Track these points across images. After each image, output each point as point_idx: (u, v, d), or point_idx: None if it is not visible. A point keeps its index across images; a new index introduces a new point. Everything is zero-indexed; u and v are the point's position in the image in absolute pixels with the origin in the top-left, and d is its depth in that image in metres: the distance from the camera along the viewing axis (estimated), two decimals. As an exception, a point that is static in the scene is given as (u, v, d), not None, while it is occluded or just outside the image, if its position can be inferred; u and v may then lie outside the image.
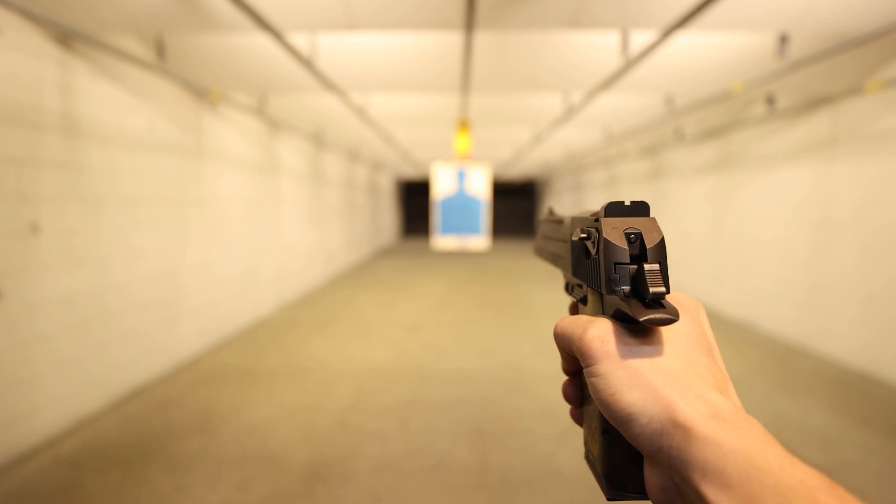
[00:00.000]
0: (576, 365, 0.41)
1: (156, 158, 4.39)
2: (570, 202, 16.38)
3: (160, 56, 4.16)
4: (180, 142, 4.76)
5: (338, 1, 3.08)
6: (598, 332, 0.35)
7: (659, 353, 0.34)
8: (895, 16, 3.12)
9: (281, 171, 7.37)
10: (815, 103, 5.22)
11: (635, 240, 0.35)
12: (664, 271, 0.35)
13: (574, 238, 0.42)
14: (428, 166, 13.91)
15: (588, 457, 0.41)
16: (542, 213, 0.55)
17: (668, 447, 0.30)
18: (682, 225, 8.34)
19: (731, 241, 6.95)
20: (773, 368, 4.83)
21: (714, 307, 7.30)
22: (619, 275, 0.35)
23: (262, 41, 4.04)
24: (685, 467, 0.29)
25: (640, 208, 0.37)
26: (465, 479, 2.89)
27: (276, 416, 3.70)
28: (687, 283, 8.22)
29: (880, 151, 4.58)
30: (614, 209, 0.37)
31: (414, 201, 22.48)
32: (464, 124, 6.78)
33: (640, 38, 3.88)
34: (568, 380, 0.44)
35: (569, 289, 0.50)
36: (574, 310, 0.48)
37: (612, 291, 0.35)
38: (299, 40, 3.97)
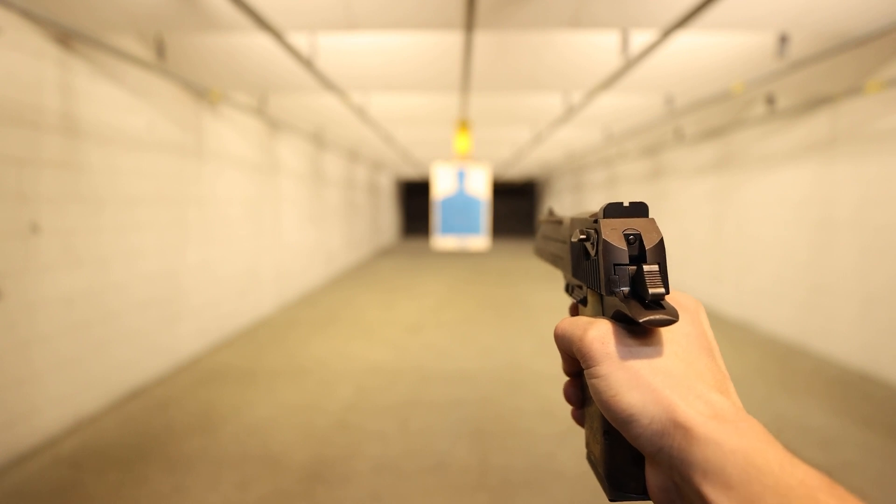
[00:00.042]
0: (576, 366, 0.41)
1: (156, 158, 4.39)
2: (570, 202, 16.38)
3: (160, 56, 4.16)
4: (180, 142, 4.76)
5: (338, 1, 3.08)
6: (598, 334, 0.35)
7: (659, 353, 0.34)
8: (895, 16, 3.12)
9: (281, 171, 7.37)
10: (815, 103, 5.22)
11: (634, 241, 0.35)
12: (663, 272, 0.35)
13: (573, 239, 0.42)
14: (428, 166, 13.91)
15: (590, 457, 0.41)
16: (542, 214, 0.55)
17: (668, 448, 0.30)
18: (682, 225, 8.34)
19: (731, 241, 6.95)
20: (773, 368, 4.84)
21: (714, 307, 7.30)
22: (619, 276, 0.35)
23: (262, 41, 4.04)
24: (686, 467, 0.29)
25: (639, 209, 0.37)
26: (465, 479, 2.89)
27: (276, 416, 3.70)
28: (687, 283, 8.22)
29: (880, 151, 4.58)
30: (613, 210, 0.37)
31: (414, 201, 22.48)
32: (464, 124, 6.78)
33: (640, 38, 3.88)
34: (569, 381, 0.44)
35: (569, 289, 0.49)
36: (574, 311, 0.48)
37: (611, 293, 0.36)
38: (299, 40, 3.97)
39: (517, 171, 16.73)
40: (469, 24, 3.32)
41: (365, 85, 5.09)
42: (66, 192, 3.43)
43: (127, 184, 4.02)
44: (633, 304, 0.34)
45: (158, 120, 4.43)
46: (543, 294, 8.66)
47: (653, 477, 0.33)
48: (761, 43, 4.05)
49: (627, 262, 0.35)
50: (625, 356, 0.34)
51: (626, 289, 0.35)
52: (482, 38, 3.98)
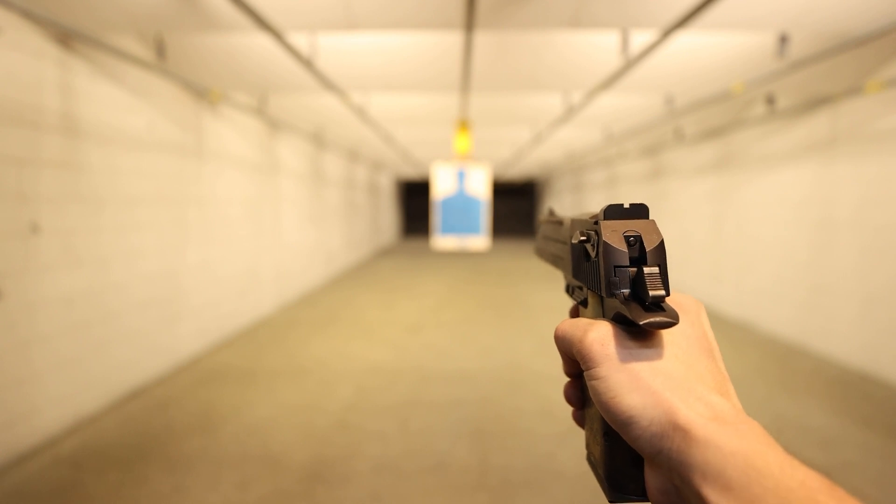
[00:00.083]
0: (577, 367, 0.41)
1: (156, 158, 4.39)
2: (570, 202, 16.38)
3: (160, 56, 4.16)
4: (180, 142, 4.76)
5: (338, 1, 3.08)
6: (598, 335, 0.35)
7: (659, 355, 0.34)
8: (895, 16, 3.12)
9: (281, 171, 7.37)
10: (815, 103, 5.22)
11: (635, 242, 0.35)
12: (664, 274, 0.34)
13: (574, 241, 0.42)
14: (428, 166, 13.91)
15: (590, 458, 0.41)
16: (543, 214, 0.54)
17: (668, 450, 0.30)
18: (682, 225, 8.34)
19: (731, 241, 6.95)
20: (773, 368, 4.84)
21: (714, 307, 7.30)
22: (619, 278, 0.35)
23: (262, 41, 4.04)
24: (685, 469, 0.29)
25: (640, 211, 0.37)
26: (465, 479, 2.89)
27: (276, 416, 3.70)
28: (687, 283, 8.22)
29: (880, 151, 4.58)
30: (613, 212, 0.37)
31: (414, 201, 22.48)
32: (464, 124, 6.78)
33: (640, 38, 3.88)
34: (569, 382, 0.44)
35: (569, 290, 0.50)
36: (575, 312, 0.48)
37: (611, 294, 0.36)
38: (299, 40, 3.97)
39: (517, 171, 16.72)
40: (469, 24, 3.32)
41: (365, 85, 5.09)
42: (66, 192, 3.43)
43: (127, 184, 4.02)
44: (634, 306, 0.34)
45: (158, 120, 4.43)
46: (543, 294, 8.66)
47: (652, 479, 0.32)
48: (761, 43, 4.05)
49: (628, 263, 0.35)
50: (625, 358, 0.34)
51: (626, 291, 0.35)
52: (482, 38, 3.98)
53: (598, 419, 0.38)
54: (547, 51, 4.28)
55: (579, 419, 0.43)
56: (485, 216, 8.31)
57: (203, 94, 5.02)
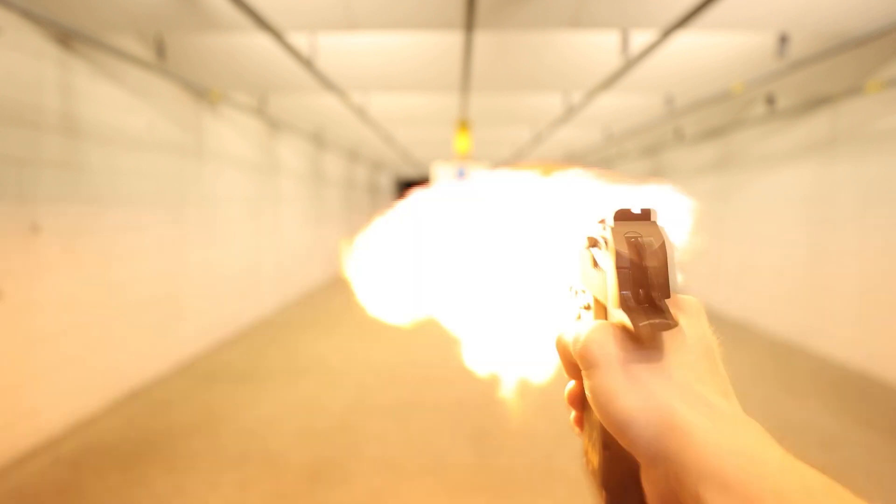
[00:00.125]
0: (577, 371, 0.40)
1: (156, 158, 4.39)
2: (570, 202, 16.38)
3: (160, 56, 4.16)
4: (180, 142, 4.76)
5: (338, 1, 3.08)
6: (597, 337, 0.35)
7: (659, 357, 0.34)
8: (895, 16, 3.12)
9: (281, 171, 7.37)
10: (815, 103, 5.22)
11: (640, 245, 0.35)
12: (667, 277, 0.34)
13: (583, 247, 0.41)
14: (428, 166, 13.91)
15: (587, 467, 0.41)
16: None
17: (665, 451, 0.30)
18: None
19: (731, 240, 6.95)
20: (772, 368, 4.83)
21: (714, 307, 7.30)
22: (620, 280, 0.35)
23: (262, 41, 4.04)
24: (683, 471, 0.29)
25: (648, 214, 0.37)
26: (465, 479, 2.89)
27: (276, 416, 3.70)
28: (687, 283, 8.20)
29: (880, 151, 4.58)
30: (623, 215, 0.37)
31: (414, 201, 22.49)
32: (464, 124, 6.78)
33: (640, 38, 3.88)
34: (571, 386, 0.43)
35: (571, 292, 0.49)
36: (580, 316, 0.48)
37: (615, 302, 0.36)
38: (299, 40, 3.97)
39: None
40: (469, 24, 3.31)
41: (365, 85, 5.09)
42: (66, 192, 3.43)
43: (127, 184, 4.02)
44: (633, 308, 0.34)
45: (158, 120, 4.43)
46: (543, 294, 8.65)
47: (650, 485, 0.32)
48: (761, 43, 4.05)
49: (628, 266, 0.35)
50: (623, 359, 0.33)
51: (626, 293, 0.35)
52: (482, 38, 3.98)
53: (597, 428, 0.38)
54: (547, 51, 4.28)
55: (580, 424, 0.43)
56: (485, 216, 8.33)
57: (203, 94, 5.02)
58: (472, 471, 2.97)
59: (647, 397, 0.31)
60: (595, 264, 0.39)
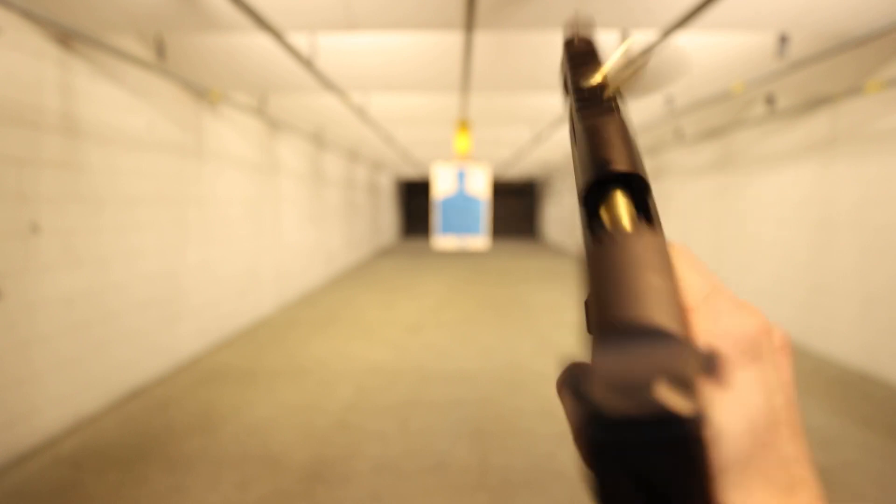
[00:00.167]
0: None
1: (156, 158, 4.39)
2: (570, 202, 16.38)
3: (160, 56, 4.16)
4: (180, 142, 4.76)
5: (338, 1, 3.08)
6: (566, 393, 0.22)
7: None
8: (895, 16, 3.12)
9: (281, 171, 7.37)
10: (815, 103, 5.22)
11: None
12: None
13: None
14: (428, 166, 13.91)
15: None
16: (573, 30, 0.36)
17: None
18: (682, 225, 8.34)
19: (731, 241, 6.95)
20: (773, 368, 4.83)
21: (714, 307, 7.29)
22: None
23: (262, 41, 4.04)
24: None
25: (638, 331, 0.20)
26: (465, 479, 2.89)
27: (276, 416, 3.70)
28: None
29: (880, 151, 4.58)
30: (612, 348, 0.20)
31: (414, 201, 22.48)
32: (464, 124, 6.78)
33: (640, 39, 3.88)
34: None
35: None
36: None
37: None
38: (299, 40, 3.97)
39: (517, 171, 16.72)
40: (469, 24, 3.32)
41: (365, 85, 5.09)
42: (66, 192, 3.43)
43: (127, 184, 4.02)
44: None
45: (158, 120, 4.43)
46: (543, 294, 8.65)
47: None
48: (761, 43, 4.05)
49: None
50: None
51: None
52: (482, 38, 3.98)
53: None
54: (547, 51, 4.28)
55: None
56: (485, 216, 8.32)
57: (203, 94, 5.02)
58: (472, 471, 2.97)
59: None
60: None
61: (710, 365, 0.20)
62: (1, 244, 2.98)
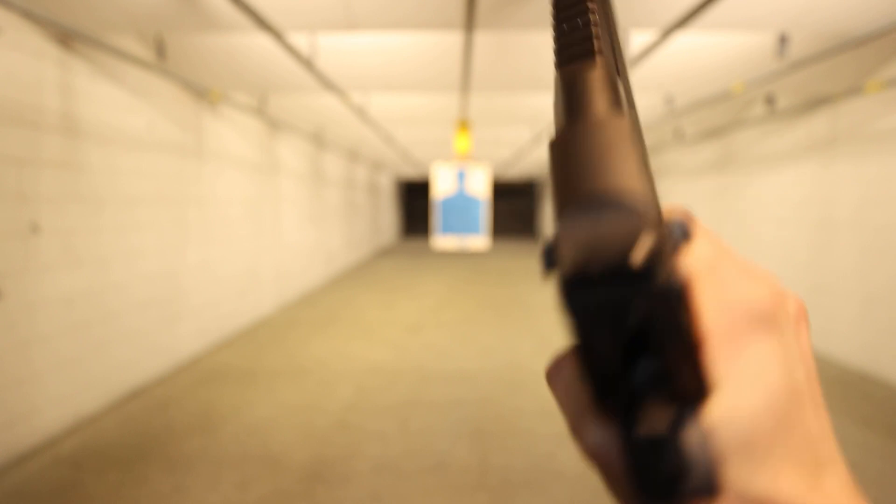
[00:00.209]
0: None
1: (156, 158, 4.39)
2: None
3: (160, 56, 4.16)
4: (180, 142, 4.76)
5: (338, 1, 3.08)
6: (600, 449, 0.21)
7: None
8: (895, 16, 3.12)
9: (281, 171, 7.37)
10: (815, 103, 5.22)
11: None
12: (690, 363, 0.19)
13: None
14: (428, 166, 13.91)
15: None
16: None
17: None
18: (682, 225, 8.33)
19: (732, 240, 6.95)
20: (773, 368, 4.83)
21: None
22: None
23: (262, 41, 4.04)
24: None
25: (617, 207, 0.18)
26: (465, 479, 2.89)
27: (276, 416, 3.70)
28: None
29: (880, 151, 4.58)
30: (571, 212, 0.19)
31: (414, 201, 22.48)
32: (464, 124, 6.78)
33: (640, 38, 3.88)
34: None
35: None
36: None
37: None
38: (299, 40, 3.97)
39: (517, 171, 16.72)
40: (469, 24, 3.32)
41: (365, 85, 5.09)
42: (66, 192, 3.43)
43: (127, 184, 4.02)
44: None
45: (158, 120, 4.43)
46: (544, 294, 8.65)
47: None
48: (761, 43, 4.05)
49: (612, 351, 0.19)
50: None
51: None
52: (482, 38, 3.98)
53: None
54: (547, 51, 4.28)
55: None
56: (485, 216, 8.32)
57: (203, 94, 5.02)
58: (472, 471, 2.97)
59: None
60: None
61: (682, 228, 0.20)
62: (1, 244, 2.98)
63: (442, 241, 8.30)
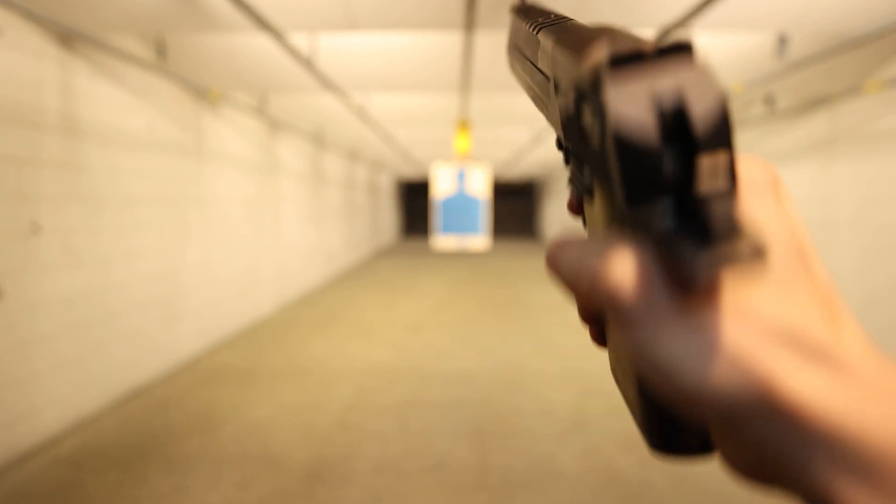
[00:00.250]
0: (593, 308, 0.28)
1: (156, 158, 4.39)
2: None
3: (160, 56, 4.16)
4: (180, 142, 4.76)
5: (338, 1, 3.09)
6: (628, 272, 0.21)
7: (731, 285, 0.21)
8: (895, 16, 3.12)
9: (281, 171, 7.37)
10: (815, 103, 5.23)
11: (672, 109, 0.19)
12: (731, 162, 0.19)
13: (561, 105, 0.26)
14: (428, 166, 13.91)
15: (617, 380, 0.30)
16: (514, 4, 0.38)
17: (765, 432, 0.20)
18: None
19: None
20: (772, 368, 4.84)
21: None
22: (647, 179, 0.20)
23: (262, 41, 4.04)
24: (797, 456, 0.19)
25: (678, 51, 0.20)
26: (465, 479, 2.89)
27: (276, 416, 3.70)
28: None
29: (880, 151, 4.58)
30: (627, 55, 0.20)
31: (414, 201, 22.49)
32: (464, 124, 6.78)
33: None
34: (584, 315, 0.30)
35: (562, 150, 0.32)
36: (577, 205, 0.31)
37: (637, 204, 0.20)
38: (299, 40, 3.97)
39: (517, 171, 16.73)
40: (469, 24, 3.32)
41: (365, 85, 5.09)
42: (66, 192, 3.43)
43: (127, 184, 4.03)
44: (682, 241, 0.19)
45: (158, 120, 4.43)
46: (543, 294, 8.65)
47: (729, 449, 0.23)
48: (761, 43, 4.05)
49: (661, 153, 0.19)
50: (677, 304, 0.21)
51: (661, 211, 0.20)
52: (482, 38, 3.98)
53: (630, 360, 0.26)
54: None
55: (599, 339, 0.31)
56: (484, 216, 8.33)
57: (203, 94, 5.02)
58: (472, 471, 2.97)
59: (725, 364, 0.20)
60: (585, 142, 0.23)
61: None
62: (1, 244, 2.98)
63: (442, 241, 8.31)
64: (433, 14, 3.26)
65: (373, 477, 2.90)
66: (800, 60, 3.86)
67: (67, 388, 3.46)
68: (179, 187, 4.75)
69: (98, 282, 3.72)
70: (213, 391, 4.15)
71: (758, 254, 0.18)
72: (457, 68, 4.52)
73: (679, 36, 0.22)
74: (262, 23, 3.15)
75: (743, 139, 6.64)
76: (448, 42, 4.07)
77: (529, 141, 9.15)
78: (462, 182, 8.53)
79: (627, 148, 0.20)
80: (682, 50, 0.20)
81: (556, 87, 0.28)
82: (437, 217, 8.53)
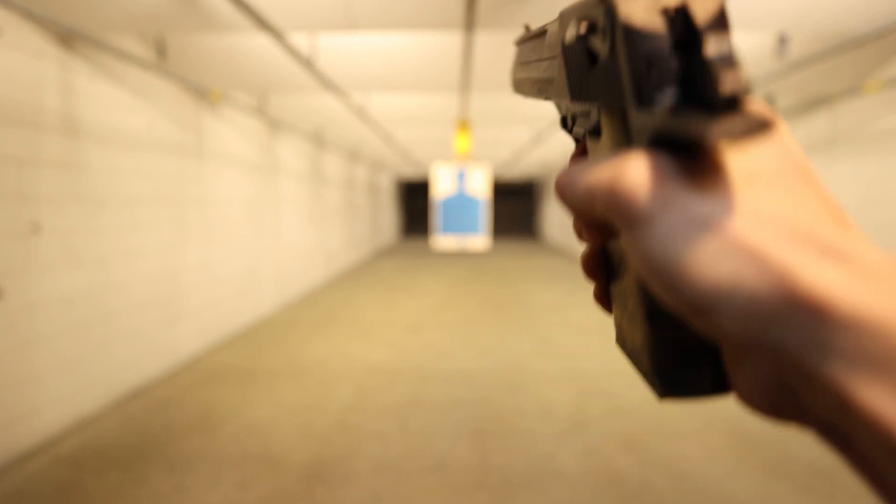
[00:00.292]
0: (598, 230, 0.28)
1: (156, 158, 4.39)
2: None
3: (160, 56, 4.17)
4: (180, 142, 4.76)
5: (338, 1, 3.09)
6: (641, 173, 0.22)
7: (742, 189, 0.22)
8: (895, 16, 3.12)
9: (281, 171, 7.37)
10: (815, 103, 5.23)
11: (676, 15, 0.22)
12: (729, 42, 0.21)
13: (569, 39, 0.27)
14: (428, 166, 13.92)
15: (623, 345, 0.30)
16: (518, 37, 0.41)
17: (782, 336, 0.19)
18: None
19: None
20: (772, 368, 4.83)
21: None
22: (656, 73, 0.21)
23: (262, 41, 4.04)
24: (813, 360, 0.19)
25: None
26: (465, 479, 2.89)
27: (276, 416, 3.70)
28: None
29: (880, 151, 4.59)
30: None
31: (414, 201, 22.49)
32: (464, 124, 6.78)
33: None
34: (588, 250, 0.31)
35: (566, 124, 0.35)
36: (580, 154, 0.32)
37: (647, 101, 0.22)
38: (299, 40, 3.97)
39: (517, 171, 16.73)
40: (469, 24, 3.32)
41: (365, 85, 5.09)
42: (66, 192, 3.43)
43: (127, 184, 4.03)
44: (690, 113, 0.21)
45: (158, 120, 4.43)
46: (543, 294, 8.66)
47: (744, 374, 0.22)
48: (761, 43, 4.06)
49: (668, 49, 0.22)
50: (693, 202, 0.21)
51: (671, 93, 0.21)
52: (482, 38, 3.98)
53: (635, 295, 0.27)
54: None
55: (603, 298, 0.31)
56: (484, 216, 8.33)
57: (203, 94, 5.02)
58: (472, 471, 2.97)
59: (744, 259, 0.20)
60: (596, 64, 0.25)
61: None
62: (1, 244, 2.98)
63: (442, 241, 8.31)
64: (433, 14, 3.26)
65: (373, 477, 2.90)
66: (800, 60, 3.86)
67: (67, 388, 3.46)
68: (179, 187, 4.75)
69: (98, 282, 3.72)
70: (213, 391, 4.15)
71: (764, 124, 0.19)
72: (457, 68, 4.52)
73: None
74: (262, 23, 3.15)
75: (743, 139, 6.64)
76: (448, 42, 4.07)
77: (529, 141, 9.15)
78: (462, 182, 8.53)
79: (636, 40, 0.22)
80: None
81: (564, 45, 0.29)
82: (437, 217, 8.53)
